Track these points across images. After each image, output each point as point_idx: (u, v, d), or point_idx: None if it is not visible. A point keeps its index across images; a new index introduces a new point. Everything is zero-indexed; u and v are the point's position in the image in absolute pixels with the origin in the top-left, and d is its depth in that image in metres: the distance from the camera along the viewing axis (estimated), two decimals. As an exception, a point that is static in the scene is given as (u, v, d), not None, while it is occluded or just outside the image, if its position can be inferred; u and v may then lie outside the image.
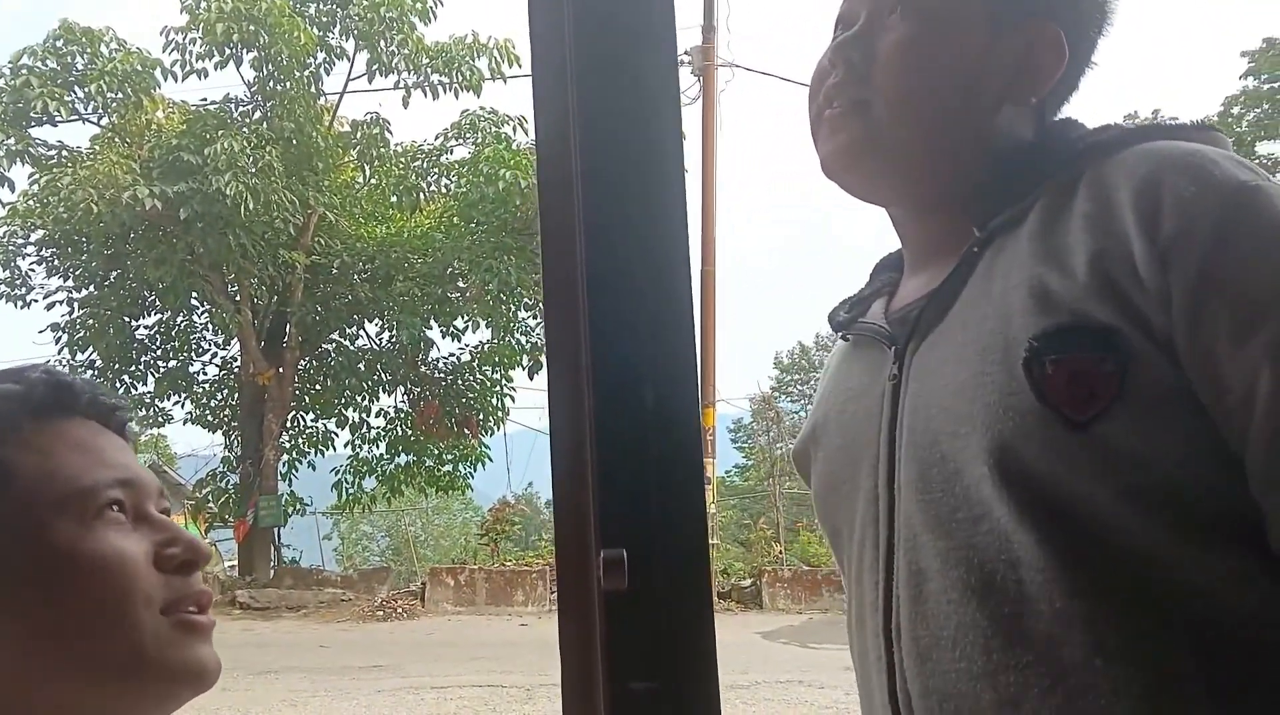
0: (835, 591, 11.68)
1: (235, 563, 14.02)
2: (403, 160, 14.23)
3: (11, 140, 12.27)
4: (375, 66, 13.39)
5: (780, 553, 13.43)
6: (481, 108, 13.77)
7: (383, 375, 14.51)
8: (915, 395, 0.85)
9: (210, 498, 14.38)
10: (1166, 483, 0.72)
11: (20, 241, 13.25)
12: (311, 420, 14.70)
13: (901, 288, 0.99)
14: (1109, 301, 0.74)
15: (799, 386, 26.83)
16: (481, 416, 14.55)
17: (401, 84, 13.44)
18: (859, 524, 0.91)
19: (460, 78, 13.17)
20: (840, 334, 1.03)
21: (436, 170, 14.28)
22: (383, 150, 13.93)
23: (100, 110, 13.10)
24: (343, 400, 14.48)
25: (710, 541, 12.18)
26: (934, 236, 0.93)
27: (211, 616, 0.73)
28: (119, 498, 0.71)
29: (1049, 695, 0.73)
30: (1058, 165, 0.84)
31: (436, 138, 14.20)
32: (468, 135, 13.91)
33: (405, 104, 13.56)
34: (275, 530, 13.90)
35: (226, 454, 14.51)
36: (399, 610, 11.75)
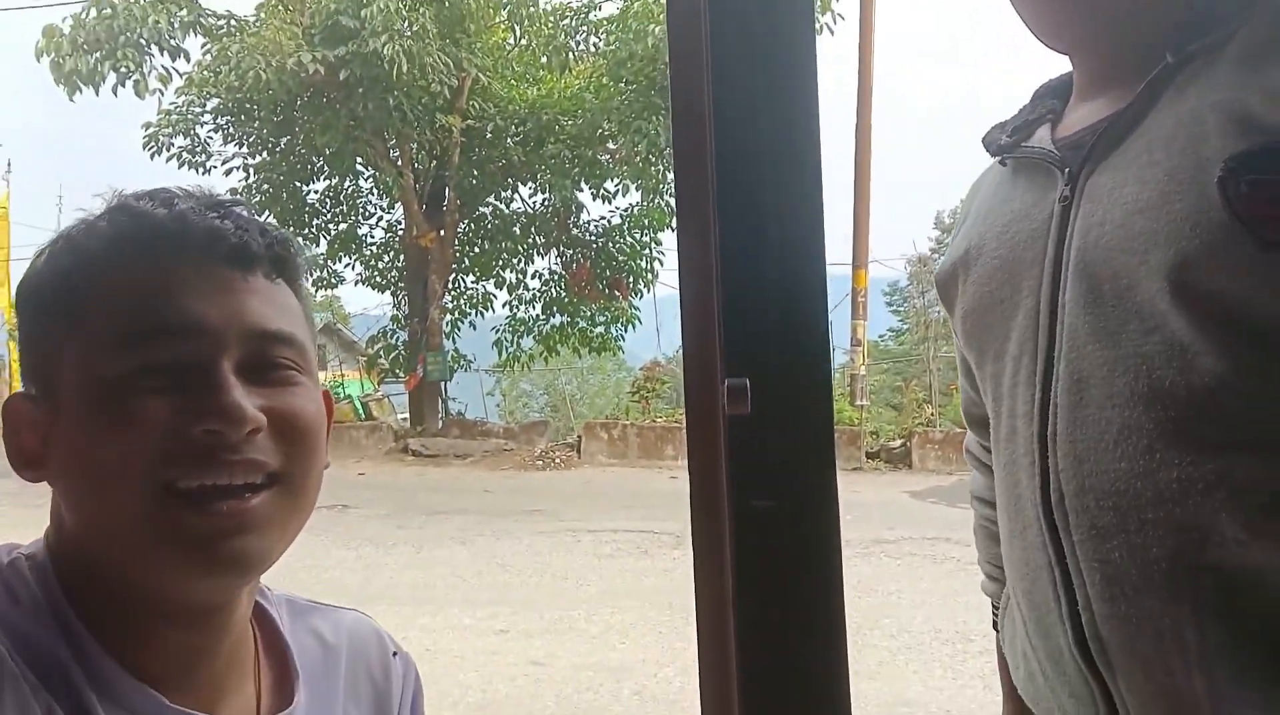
0: (987, 454, 11.54)
1: (407, 415, 14.94)
2: (552, 19, 14.13)
3: (184, 12, 12.80)
4: (523, -80, 13.19)
5: (932, 415, 13.31)
6: (630, -39, 13.45)
7: (537, 238, 14.83)
8: (1088, 215, 0.86)
9: (382, 354, 15.28)
10: None
11: (198, 110, 13.94)
12: (472, 281, 15.25)
13: (1069, 114, 0.99)
14: None
15: (958, 247, 25.82)
16: (631, 279, 14.75)
17: (550, -62, 13.22)
18: (1015, 339, 0.93)
19: (608, -71, 12.84)
20: (1000, 158, 1.03)
21: (585, 28, 14.13)
22: (532, 9, 13.85)
23: (264, -23, 13.49)
24: (500, 262, 14.93)
25: (860, 402, 12.06)
26: (1115, 64, 0.92)
27: (248, 508, 0.67)
28: (174, 352, 0.67)
29: (1212, 492, 0.77)
30: None
31: (585, -7, 14.00)
32: (616, -10, 13.65)
33: (554, -40, 13.36)
34: (442, 384, 14.69)
35: (395, 313, 15.28)
36: (557, 460, 12.36)
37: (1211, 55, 0.83)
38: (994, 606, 1.19)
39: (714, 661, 1.11)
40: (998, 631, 1.18)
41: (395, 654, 0.88)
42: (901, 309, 23.52)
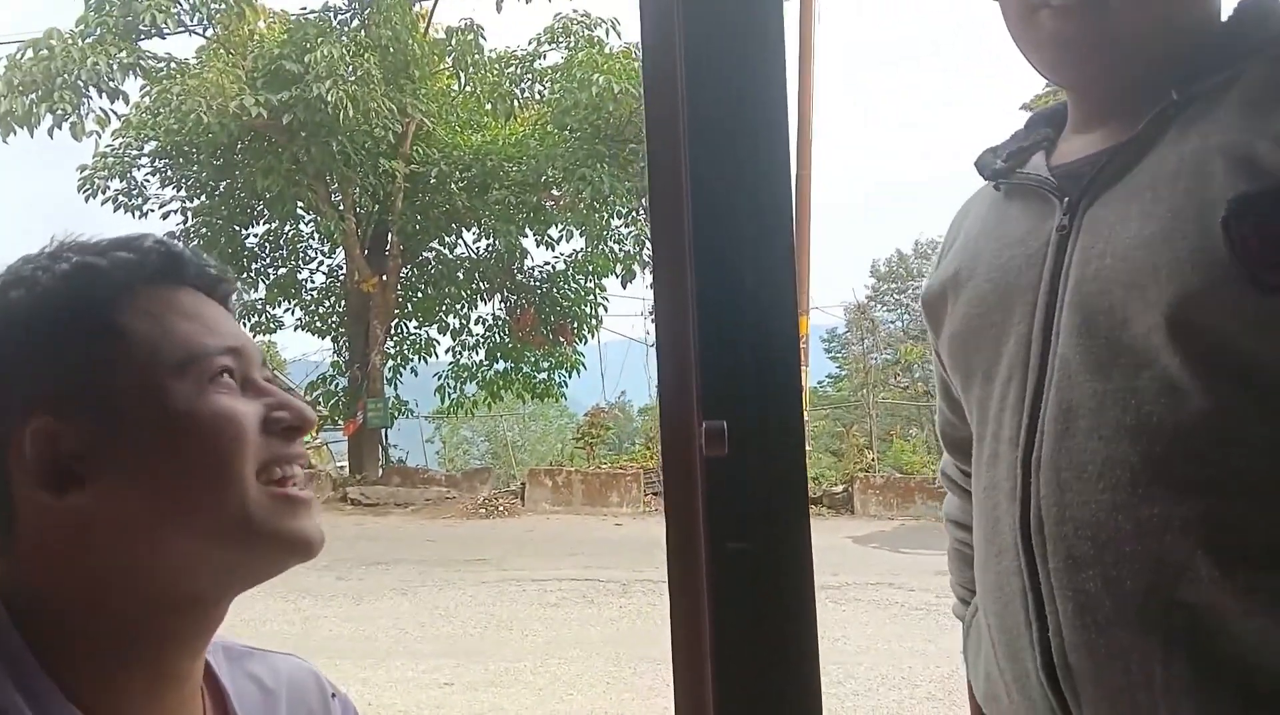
0: (927, 499, 11.68)
1: (345, 463, 14.68)
2: (497, 67, 14.24)
3: (123, 54, 12.64)
4: (469, -29, 13.32)
5: (873, 460, 13.46)
6: (574, 10, 13.66)
7: (480, 283, 14.78)
8: (1087, 246, 0.87)
9: (320, 401, 15.02)
10: None
11: (135, 153, 13.72)
12: (414, 327, 15.12)
13: (1064, 143, 1.00)
14: None
15: (895, 296, 26.35)
16: (575, 324, 14.76)
17: (495, -12, 13.36)
18: (1005, 364, 0.94)
19: (553, -20, 13.01)
20: (994, 183, 1.04)
21: (530, 76, 14.26)
22: (477, 57, 13.94)
23: (205, 21, 13.38)
24: (443, 307, 14.84)
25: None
26: (1117, 99, 0.94)
27: (311, 491, 0.76)
28: (229, 365, 0.72)
29: (1190, 530, 0.78)
30: (1270, 36, 0.86)
31: (530, 43, 14.15)
32: (560, 40, 13.81)
33: (499, 9, 13.50)
34: (383, 432, 14.47)
35: (335, 358, 15.07)
36: (500, 508, 12.22)
37: (1216, 96, 0.85)
38: (966, 632, 1.20)
39: (691, 707, 1.11)
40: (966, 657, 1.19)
41: (334, 695, 0.89)
42: (840, 355, 23.87)
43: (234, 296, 0.80)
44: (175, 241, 0.78)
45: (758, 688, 1.09)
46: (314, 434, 15.54)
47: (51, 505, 0.68)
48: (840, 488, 12.38)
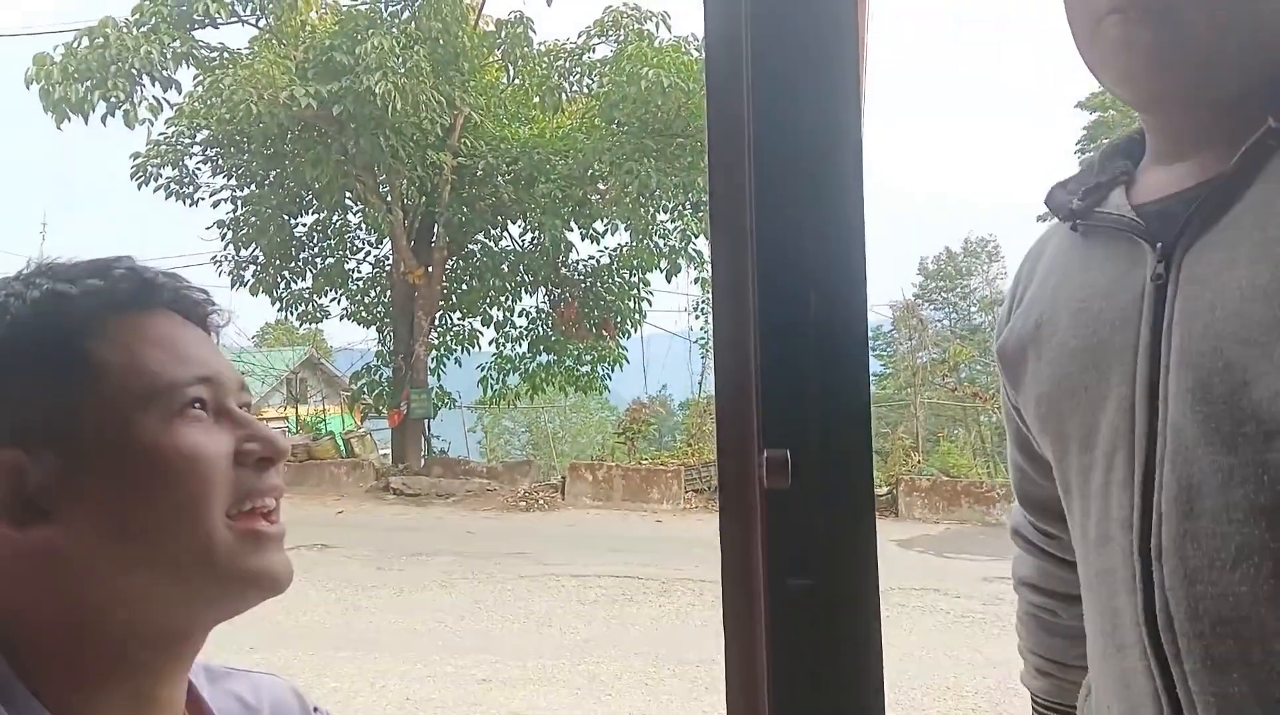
0: (974, 503, 11.49)
1: (389, 451, 14.80)
2: (545, 60, 14.22)
3: (177, 43, 12.80)
4: (519, -37, 13.31)
5: (919, 462, 13.27)
6: (625, 3, 13.57)
7: (525, 276, 14.81)
8: (1191, 298, 0.79)
9: (365, 390, 15.15)
10: None
11: (187, 141, 13.92)
12: (458, 318, 15.19)
13: (1146, 177, 0.90)
14: None
15: (943, 293, 26.03)
16: (619, 319, 14.73)
17: (545, -19, 13.34)
18: (1105, 434, 0.85)
19: (604, -29, 12.97)
20: (1071, 224, 0.94)
21: (579, 69, 14.22)
22: (526, 50, 13.93)
23: (258, 11, 13.52)
24: (487, 300, 14.89)
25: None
26: (1201, 127, 0.84)
27: (282, 525, 0.74)
28: (200, 396, 0.71)
29: None
30: None
31: (579, 36, 14.11)
32: (610, 33, 13.75)
33: (548, 1, 13.49)
34: (425, 422, 14.56)
35: (380, 348, 15.19)
36: (540, 501, 12.23)
37: None
38: (1038, 702, 1.12)
39: (744, 750, 1.04)
40: None
41: (315, 709, 0.89)
42: (885, 354, 23.64)
43: (215, 317, 0.79)
44: (146, 265, 0.76)
45: (817, 733, 1.02)
46: (358, 423, 15.72)
47: (15, 538, 0.67)
48: (885, 490, 12.20)
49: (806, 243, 1.03)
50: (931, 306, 25.00)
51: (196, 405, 0.71)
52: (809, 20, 1.02)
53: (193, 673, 0.79)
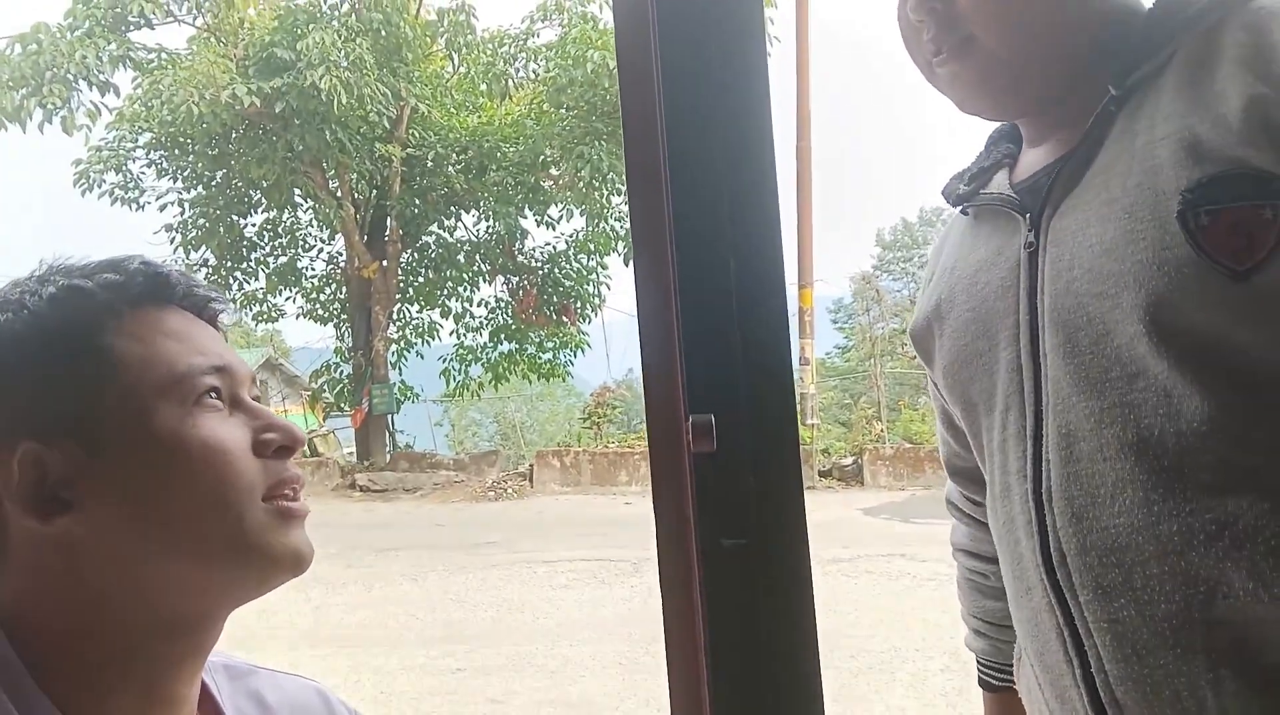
0: (937, 468, 11.62)
1: (354, 449, 14.70)
2: (490, 46, 14.12)
3: (113, 46, 12.56)
4: (458, -51, 13.19)
5: (882, 431, 13.42)
6: (567, -14, 13.51)
7: (482, 265, 14.75)
8: (1055, 260, 0.85)
9: (326, 388, 15.03)
10: None
11: (129, 145, 13.67)
12: (417, 311, 15.11)
13: (1024, 158, 0.97)
14: (1266, 148, 0.72)
15: (901, 264, 26.25)
16: (579, 304, 14.72)
17: (485, -34, 13.22)
18: (1000, 394, 0.90)
19: (543, -45, 12.89)
20: (960, 208, 1.02)
21: (524, 55, 14.13)
22: (469, 37, 13.83)
23: (194, 10, 13.29)
24: (445, 291, 14.81)
25: (811, 421, 12.14)
26: (1060, 115, 0.91)
27: (305, 504, 0.76)
28: (215, 385, 0.72)
29: (1214, 541, 0.74)
30: (1194, 13, 0.82)
31: (522, 21, 14.03)
32: (553, 17, 13.68)
33: (490, -13, 13.36)
34: (389, 417, 14.48)
35: (339, 345, 15.06)
36: (509, 491, 12.23)
37: (1152, 84, 0.82)
38: (980, 664, 1.16)
39: (687, 705, 1.07)
40: (985, 690, 1.15)
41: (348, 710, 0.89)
42: (847, 326, 23.81)
43: (224, 315, 0.80)
44: (162, 262, 0.78)
45: (755, 687, 1.05)
46: (321, 421, 15.60)
47: (40, 531, 0.68)
48: (850, 460, 12.34)
49: (723, 211, 1.05)
50: (890, 277, 25.22)
51: (212, 394, 0.72)
52: (714, 6, 1.04)
53: (211, 670, 0.79)
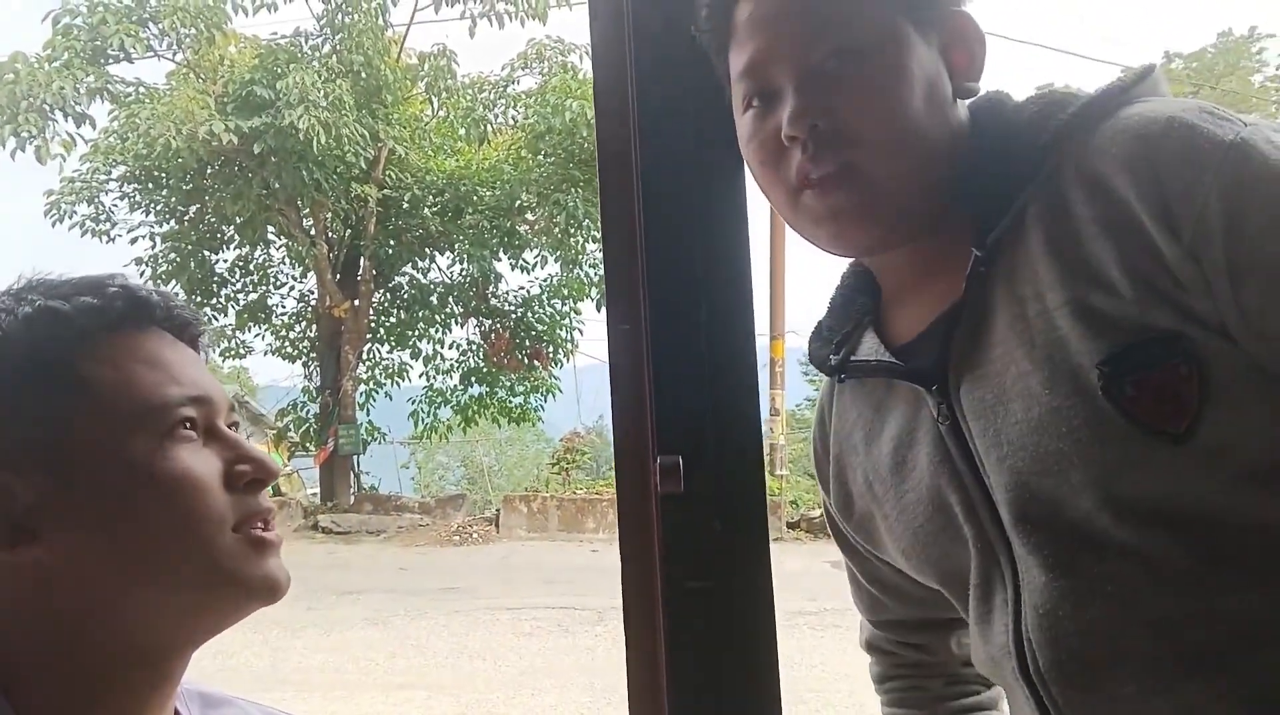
0: (903, 521, 11.64)
1: (317, 490, 14.51)
2: (470, 92, 14.23)
3: (90, 78, 12.54)
4: (442, -4, 13.34)
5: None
6: (548, 36, 13.68)
7: (454, 307, 14.71)
8: (980, 435, 0.82)
9: (291, 427, 14.85)
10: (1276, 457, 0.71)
11: (103, 177, 13.60)
12: (387, 352, 15.01)
13: (892, 314, 0.95)
14: (1160, 307, 0.72)
15: (870, 317, 26.36)
16: (551, 349, 14.71)
17: (468, 14, 13.38)
18: (976, 570, 0.86)
19: (526, 5, 13.06)
20: (838, 378, 0.98)
21: (503, 101, 14.25)
22: (450, 82, 13.93)
23: (175, 46, 13.30)
24: (416, 332, 14.75)
25: (780, 472, 12.11)
26: (921, 260, 0.89)
27: (278, 534, 0.75)
28: (191, 416, 0.72)
29: (1225, 699, 0.72)
30: (1029, 161, 0.81)
31: (503, 68, 14.17)
32: (534, 65, 13.83)
33: (471, 34, 13.50)
34: (355, 458, 14.32)
35: (306, 384, 14.92)
36: (474, 535, 12.09)
37: (1015, 244, 0.81)
38: None
39: (647, 751, 1.07)
40: None
41: None
42: (817, 378, 23.85)
43: (204, 338, 0.81)
44: (142, 284, 0.77)
45: (718, 732, 1.05)
46: (285, 461, 15.40)
47: (4, 559, 0.67)
48: (818, 512, 12.32)
49: (696, 259, 1.07)
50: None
51: (187, 425, 0.71)
52: (688, 40, 1.07)
53: (185, 698, 0.78)
